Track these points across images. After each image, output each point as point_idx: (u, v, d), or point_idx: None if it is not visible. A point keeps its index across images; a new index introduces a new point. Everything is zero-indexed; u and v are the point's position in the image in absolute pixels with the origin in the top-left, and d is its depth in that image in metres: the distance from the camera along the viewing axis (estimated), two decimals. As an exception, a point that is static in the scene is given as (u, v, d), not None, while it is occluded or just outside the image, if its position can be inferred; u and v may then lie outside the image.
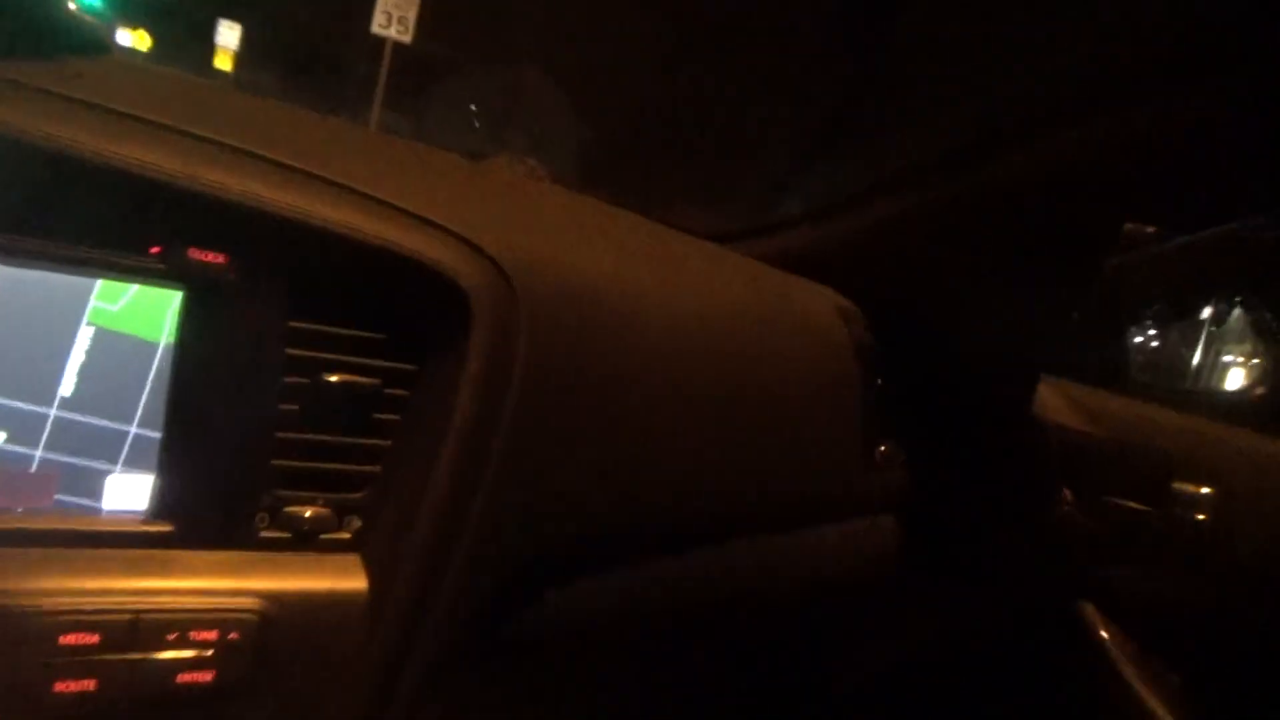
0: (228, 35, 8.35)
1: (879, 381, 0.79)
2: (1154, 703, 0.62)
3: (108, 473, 0.44)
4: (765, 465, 0.68)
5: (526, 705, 0.64)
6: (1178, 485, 0.68)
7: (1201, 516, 0.65)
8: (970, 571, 0.81)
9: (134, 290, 0.45)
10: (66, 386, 0.44)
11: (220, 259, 0.45)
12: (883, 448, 0.80)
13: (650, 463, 0.60)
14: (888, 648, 0.85)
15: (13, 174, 0.42)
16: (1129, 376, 0.85)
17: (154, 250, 0.44)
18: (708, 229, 0.95)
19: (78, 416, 0.44)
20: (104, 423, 0.44)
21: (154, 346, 0.45)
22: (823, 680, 0.84)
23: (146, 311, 0.45)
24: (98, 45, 0.48)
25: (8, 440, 0.42)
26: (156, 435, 0.45)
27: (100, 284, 0.44)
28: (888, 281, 0.82)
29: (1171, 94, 0.57)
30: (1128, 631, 0.68)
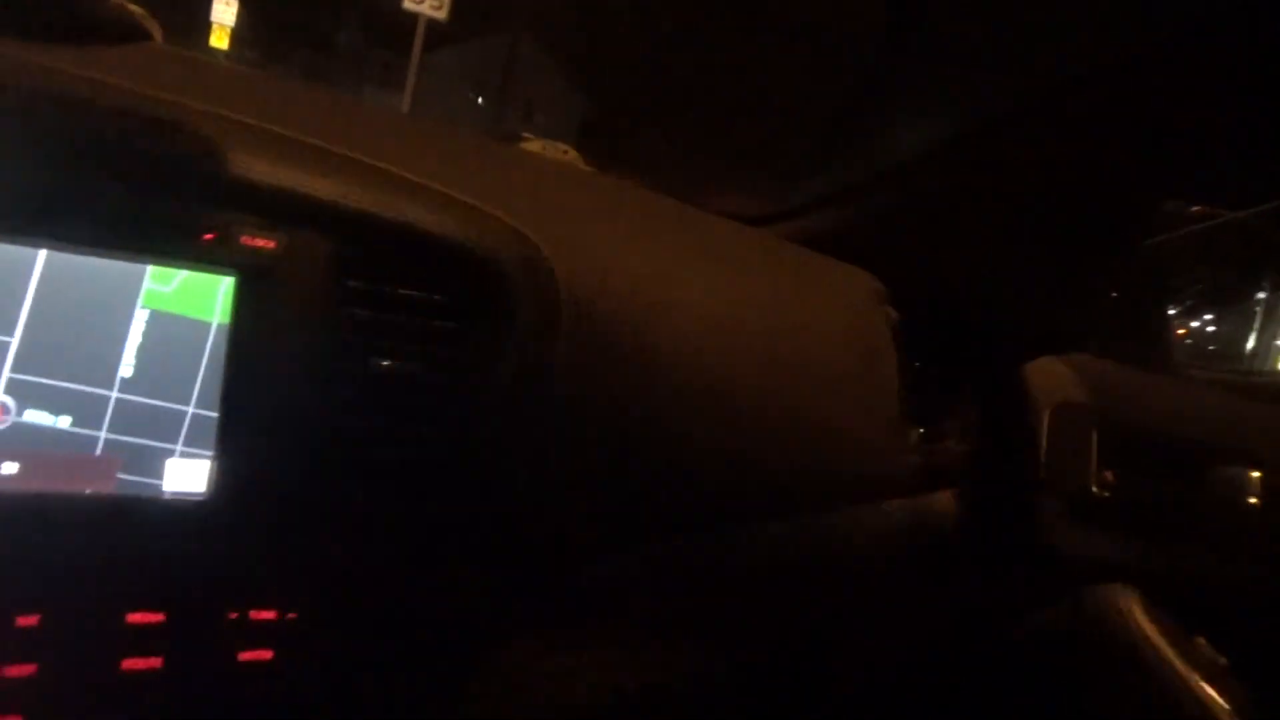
0: (224, 12, 8.25)
1: (916, 364, 0.80)
2: (1201, 686, 0.63)
3: (170, 452, 0.45)
4: (801, 446, 0.69)
5: (559, 678, 0.66)
6: (1221, 468, 0.69)
7: (1252, 500, 0.65)
8: (1002, 553, 0.83)
9: (186, 272, 0.46)
10: (126, 369, 0.44)
11: (271, 244, 0.47)
12: (919, 429, 0.81)
13: (685, 443, 0.61)
14: (897, 645, 0.87)
15: (65, 162, 0.43)
16: (1170, 357, 0.85)
17: (207, 237, 0.46)
18: (737, 211, 0.95)
19: (138, 398, 0.45)
20: (163, 403, 0.45)
21: (207, 326, 0.46)
22: (826, 681, 0.85)
23: (199, 292, 0.46)
24: (141, 34, 0.48)
25: (73, 424, 0.43)
26: (214, 415, 0.46)
27: (152, 267, 0.45)
28: (914, 263, 0.83)
29: (1191, 80, 0.58)
30: (1170, 615, 0.69)
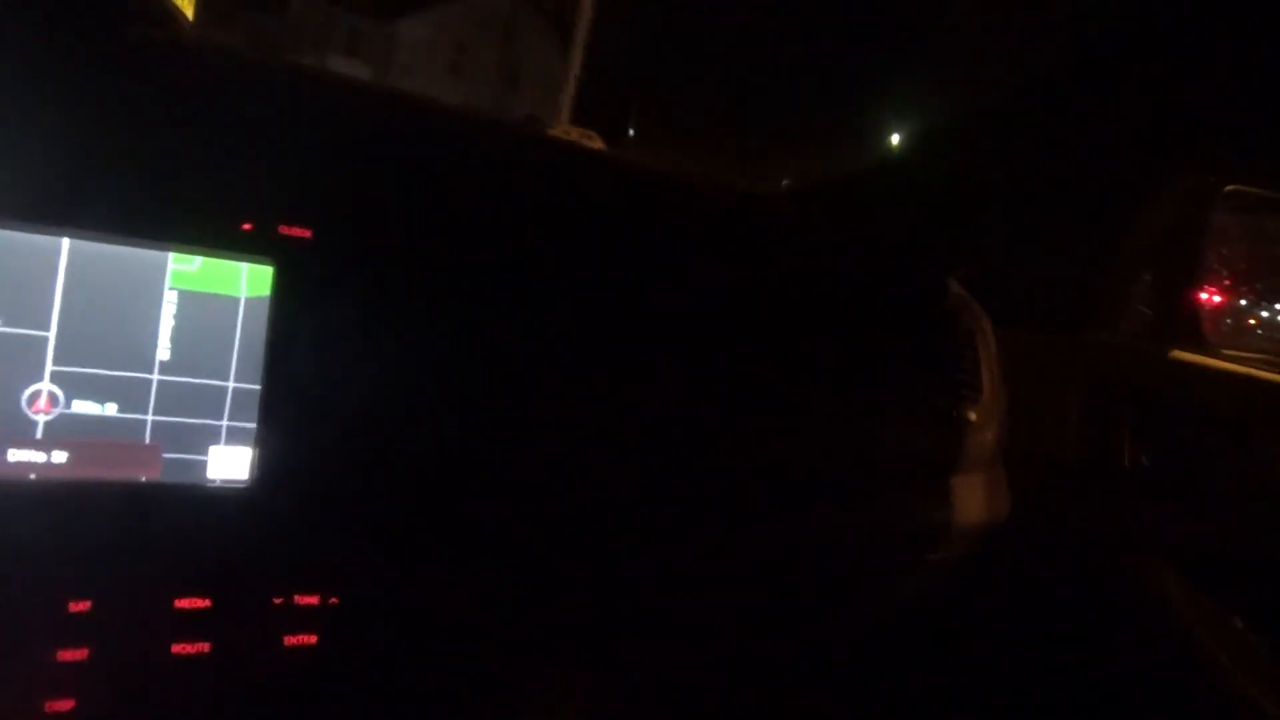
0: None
1: (963, 344, 0.81)
2: (1232, 668, 0.65)
3: (216, 429, 0.47)
4: (848, 427, 0.71)
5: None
6: (1259, 445, 0.71)
7: None
8: (1037, 533, 0.84)
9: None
10: (163, 351, 0.45)
11: (308, 233, 0.48)
12: (964, 408, 0.82)
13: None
14: (924, 627, 0.89)
15: (103, 151, 0.44)
16: (1203, 336, 0.87)
17: (245, 226, 0.46)
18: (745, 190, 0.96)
19: (178, 378, 0.46)
20: (204, 381, 0.46)
21: (236, 301, 0.47)
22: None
23: (223, 268, 0.47)
24: (166, 19, 0.49)
25: (120, 409, 0.44)
26: (254, 388, 0.47)
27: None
28: (931, 243, 0.84)
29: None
30: (1202, 588, 0.71)
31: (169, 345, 0.46)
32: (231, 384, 0.47)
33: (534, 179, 0.59)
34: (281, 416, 0.47)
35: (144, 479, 0.45)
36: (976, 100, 0.83)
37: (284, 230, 0.47)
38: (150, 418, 0.45)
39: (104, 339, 0.44)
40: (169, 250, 0.46)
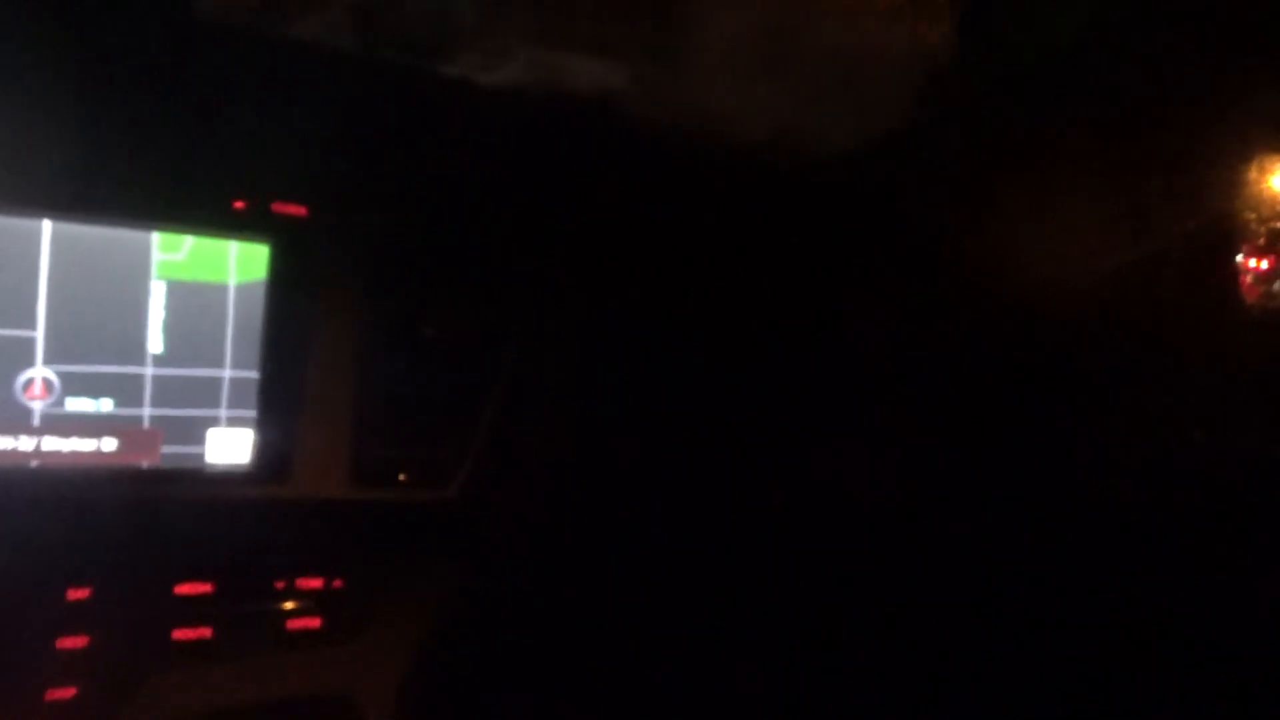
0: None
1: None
2: None
3: (214, 419, 0.49)
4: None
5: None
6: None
7: None
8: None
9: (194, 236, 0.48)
10: (154, 345, 0.48)
11: (303, 211, 0.49)
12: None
13: None
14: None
15: (86, 128, 0.45)
16: (1241, 298, 0.85)
17: (238, 205, 0.48)
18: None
19: (173, 370, 0.48)
20: (199, 371, 0.49)
21: (225, 289, 0.49)
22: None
23: (211, 256, 0.49)
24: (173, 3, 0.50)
25: (116, 405, 0.47)
26: (251, 375, 0.49)
27: (160, 235, 0.47)
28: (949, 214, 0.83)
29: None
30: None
31: (161, 337, 0.48)
32: (228, 373, 0.49)
33: (536, 151, 0.60)
34: (282, 400, 0.49)
35: (144, 465, 0.47)
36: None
37: (278, 208, 0.48)
38: (147, 411, 0.47)
39: (93, 335, 0.46)
40: (157, 230, 0.47)
